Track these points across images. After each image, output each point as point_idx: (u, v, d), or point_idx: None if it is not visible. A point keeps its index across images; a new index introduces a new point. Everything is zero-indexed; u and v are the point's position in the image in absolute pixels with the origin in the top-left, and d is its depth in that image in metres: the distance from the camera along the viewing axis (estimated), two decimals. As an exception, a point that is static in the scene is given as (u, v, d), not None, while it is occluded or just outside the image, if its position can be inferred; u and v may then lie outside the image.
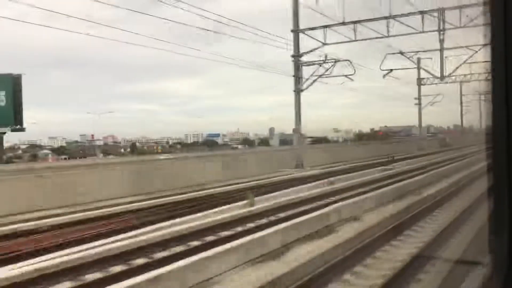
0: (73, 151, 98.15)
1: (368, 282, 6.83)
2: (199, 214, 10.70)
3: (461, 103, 56.49)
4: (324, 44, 25.34)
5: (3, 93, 53.59)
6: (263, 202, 12.46)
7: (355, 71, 26.01)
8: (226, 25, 20.47)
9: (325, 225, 9.98)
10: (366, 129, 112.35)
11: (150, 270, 6.36)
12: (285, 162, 25.52)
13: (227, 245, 7.48)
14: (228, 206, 11.93)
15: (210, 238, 9.37)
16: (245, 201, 12.13)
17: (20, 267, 6.58)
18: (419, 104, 45.38)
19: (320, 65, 25.57)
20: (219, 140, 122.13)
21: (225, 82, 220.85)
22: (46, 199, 13.39)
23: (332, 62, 25.32)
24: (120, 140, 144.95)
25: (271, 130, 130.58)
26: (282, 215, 11.53)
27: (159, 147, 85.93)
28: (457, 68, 30.92)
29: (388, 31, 24.33)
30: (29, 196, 13.22)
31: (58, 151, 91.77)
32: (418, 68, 39.42)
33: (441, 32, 25.42)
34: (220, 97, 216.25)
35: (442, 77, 30.48)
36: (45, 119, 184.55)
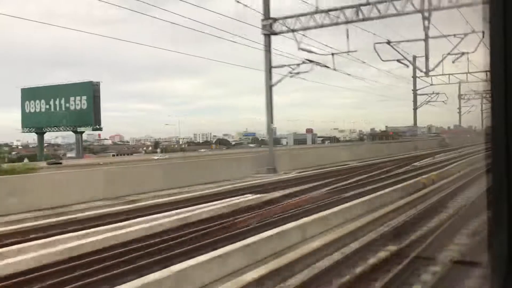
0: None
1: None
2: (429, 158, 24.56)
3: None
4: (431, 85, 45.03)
5: (84, 97, 64.19)
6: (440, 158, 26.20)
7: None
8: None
9: (470, 164, 22.83)
10: (366, 128, 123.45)
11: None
12: (397, 148, 41.97)
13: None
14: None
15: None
16: (429, 158, 25.96)
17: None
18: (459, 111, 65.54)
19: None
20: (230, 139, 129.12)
21: (225, 82, 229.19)
22: (325, 160, 28.64)
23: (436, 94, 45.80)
24: (127, 140, 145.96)
25: (273, 129, 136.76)
26: (452, 162, 24.93)
27: (212, 145, 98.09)
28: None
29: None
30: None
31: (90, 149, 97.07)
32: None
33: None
34: (220, 97, 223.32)
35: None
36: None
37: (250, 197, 14.09)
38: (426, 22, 36.81)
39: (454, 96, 62.43)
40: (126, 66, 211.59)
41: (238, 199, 13.79)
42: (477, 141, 48.24)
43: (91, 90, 63.47)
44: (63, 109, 64.69)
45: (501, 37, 1.21)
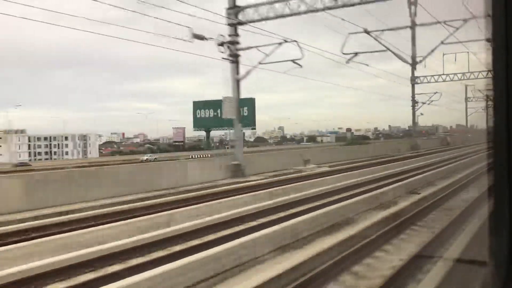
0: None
1: None
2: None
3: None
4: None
5: (246, 108, 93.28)
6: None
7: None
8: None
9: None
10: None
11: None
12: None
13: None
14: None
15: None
16: None
17: None
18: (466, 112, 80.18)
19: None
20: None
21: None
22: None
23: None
24: (153, 138, 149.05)
25: (281, 128, 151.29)
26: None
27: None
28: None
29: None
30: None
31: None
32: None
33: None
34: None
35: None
36: (47, 117, 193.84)
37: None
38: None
39: (460, 96, 71.74)
40: (126, 65, 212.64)
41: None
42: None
43: (251, 103, 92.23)
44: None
45: (503, 36, 1.21)
